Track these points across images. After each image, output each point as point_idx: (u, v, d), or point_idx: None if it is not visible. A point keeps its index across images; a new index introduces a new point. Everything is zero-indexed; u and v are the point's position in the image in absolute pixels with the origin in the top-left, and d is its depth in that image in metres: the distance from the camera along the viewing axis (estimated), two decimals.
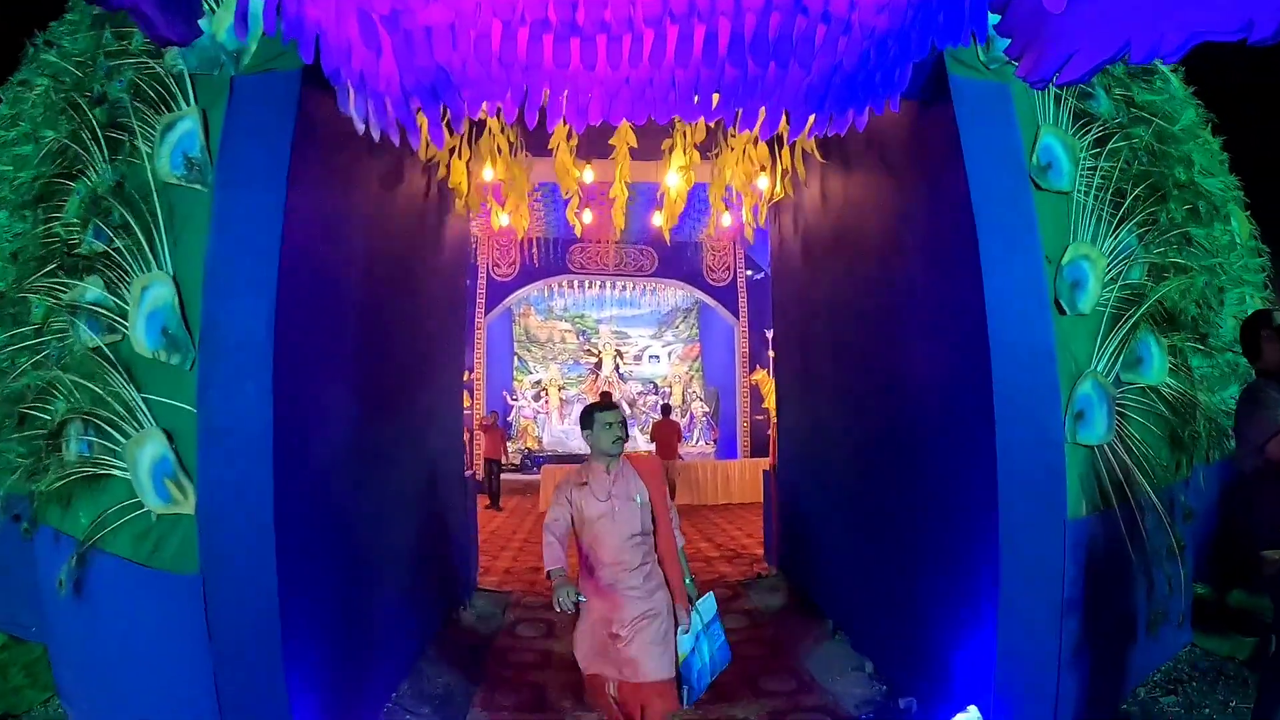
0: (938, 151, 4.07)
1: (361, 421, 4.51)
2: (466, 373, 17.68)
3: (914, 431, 4.50)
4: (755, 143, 5.93)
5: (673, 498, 12.47)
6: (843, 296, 5.52)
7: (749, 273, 19.12)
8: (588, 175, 6.31)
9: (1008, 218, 3.84)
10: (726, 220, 7.27)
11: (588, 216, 7.19)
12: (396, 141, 3.74)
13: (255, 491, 3.34)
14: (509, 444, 20.94)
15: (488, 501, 14.47)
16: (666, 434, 14.47)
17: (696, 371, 24.06)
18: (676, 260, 18.87)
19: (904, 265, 4.59)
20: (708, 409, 21.99)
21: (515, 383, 23.36)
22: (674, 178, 6.07)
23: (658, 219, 6.96)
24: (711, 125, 5.75)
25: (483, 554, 9.75)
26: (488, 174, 5.95)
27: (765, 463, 15.14)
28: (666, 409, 15.16)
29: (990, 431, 3.67)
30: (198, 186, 3.63)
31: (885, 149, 4.78)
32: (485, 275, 18.59)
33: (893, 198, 4.78)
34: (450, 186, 5.95)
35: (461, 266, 7.39)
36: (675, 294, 22.72)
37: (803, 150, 5.58)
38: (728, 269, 19.16)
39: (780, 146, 5.75)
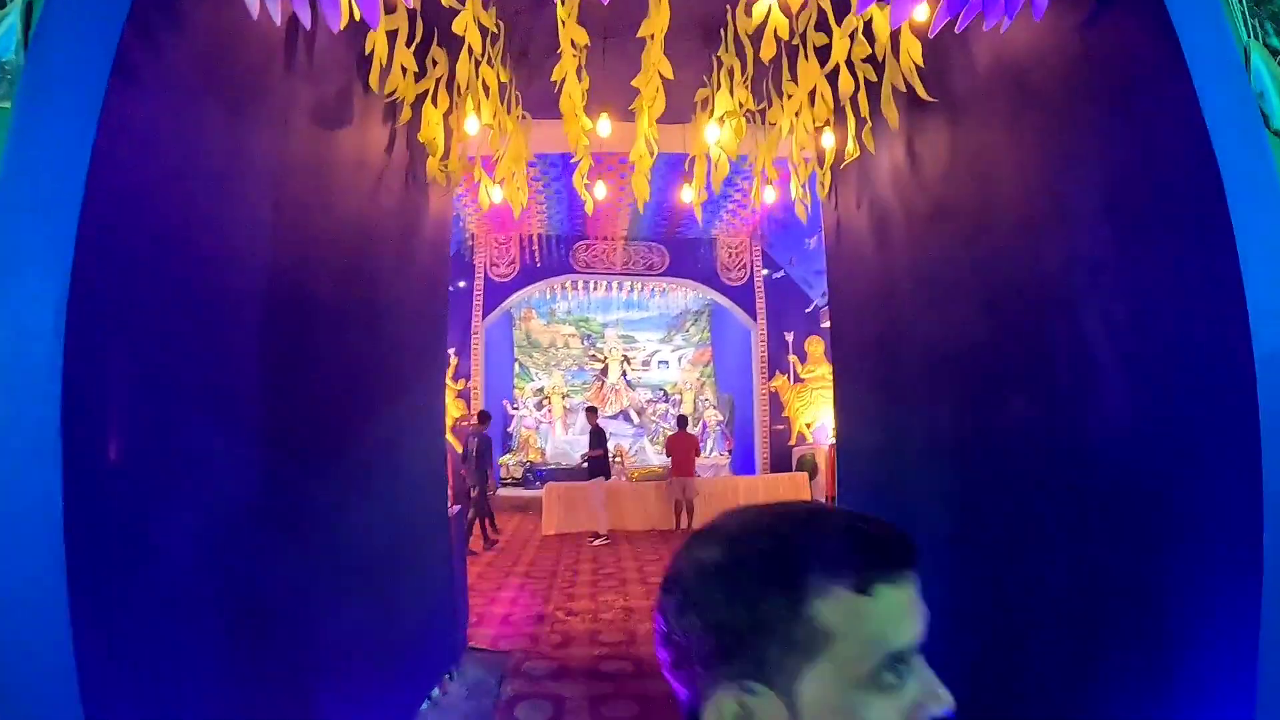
0: (1133, 74, 2.66)
1: (279, 460, 3.11)
2: (463, 381, 16.33)
3: (1094, 464, 3.06)
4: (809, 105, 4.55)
5: (690, 519, 10.75)
6: (950, 281, 4.09)
7: (765, 272, 17.71)
8: (603, 126, 4.82)
9: (1250, 166, 2.43)
10: (770, 196, 5.78)
11: (600, 190, 5.70)
12: (307, 22, 2.34)
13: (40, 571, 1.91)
14: (510, 456, 19.52)
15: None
16: (683, 448, 13.07)
17: (709, 378, 22.66)
18: (689, 259, 17.48)
19: (1067, 237, 3.17)
20: (721, 418, 20.56)
21: (516, 390, 21.98)
22: (715, 130, 4.62)
23: (687, 193, 5.51)
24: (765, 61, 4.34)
25: (474, 594, 8.35)
26: (471, 126, 4.52)
27: (790, 479, 13.73)
28: (682, 420, 13.76)
29: (1254, 467, 2.25)
30: (6, 104, 2.22)
31: (1028, 79, 3.36)
32: (483, 276, 17.19)
33: (1046, 145, 3.36)
34: (422, 141, 4.53)
35: (441, 253, 5.94)
36: (686, 295, 21.34)
37: (893, 93, 4.17)
38: (744, 268, 17.76)
39: (858, 90, 4.34)
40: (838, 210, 5.79)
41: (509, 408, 20.45)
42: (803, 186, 5.55)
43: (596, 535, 12.60)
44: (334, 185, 3.81)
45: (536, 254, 16.75)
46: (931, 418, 4.42)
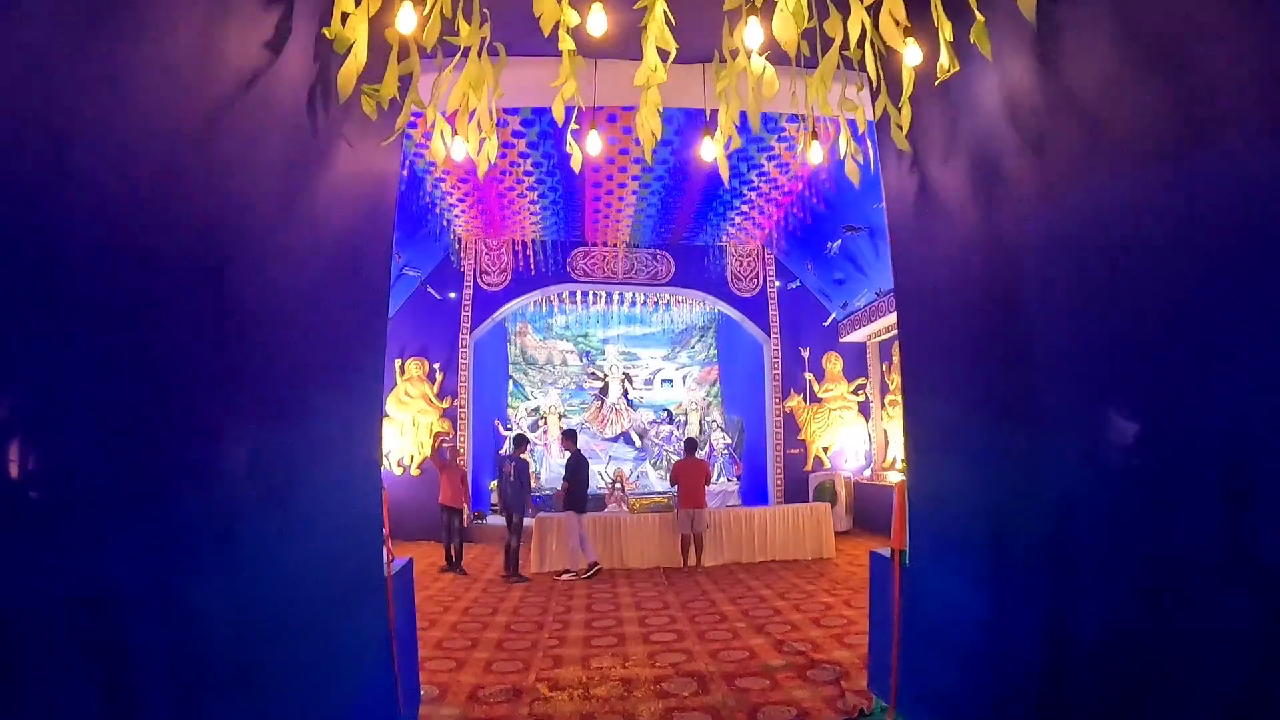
0: None
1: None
2: (450, 399, 14.90)
3: None
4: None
5: (699, 556, 8.24)
6: (1130, 258, 2.65)
7: (778, 283, 16.32)
8: (595, 20, 3.35)
9: None
10: (816, 155, 4.34)
11: (594, 144, 4.27)
12: None
13: None
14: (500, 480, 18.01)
15: (444, 563, 11.77)
16: (692, 475, 11.61)
17: (715, 398, 21.22)
18: (696, 267, 16.09)
19: None
20: (729, 440, 19.10)
21: (510, 410, 20.51)
22: (757, 31, 3.20)
23: (708, 149, 4.08)
24: None
25: (440, 655, 6.89)
26: (406, 23, 3.11)
27: (811, 512, 12.28)
28: (691, 444, 12.30)
29: None
30: None
31: None
32: (472, 285, 15.78)
33: None
34: (330, 38, 3.12)
35: (379, 227, 4.45)
36: (692, 310, 20.00)
37: None
38: (756, 277, 16.36)
39: None
40: (917, 164, 4.33)
41: (501, 429, 19.00)
42: (860, 137, 4.15)
43: (565, 571, 11.34)
44: (159, 96, 2.39)
45: (531, 261, 15.35)
46: (1083, 452, 2.95)
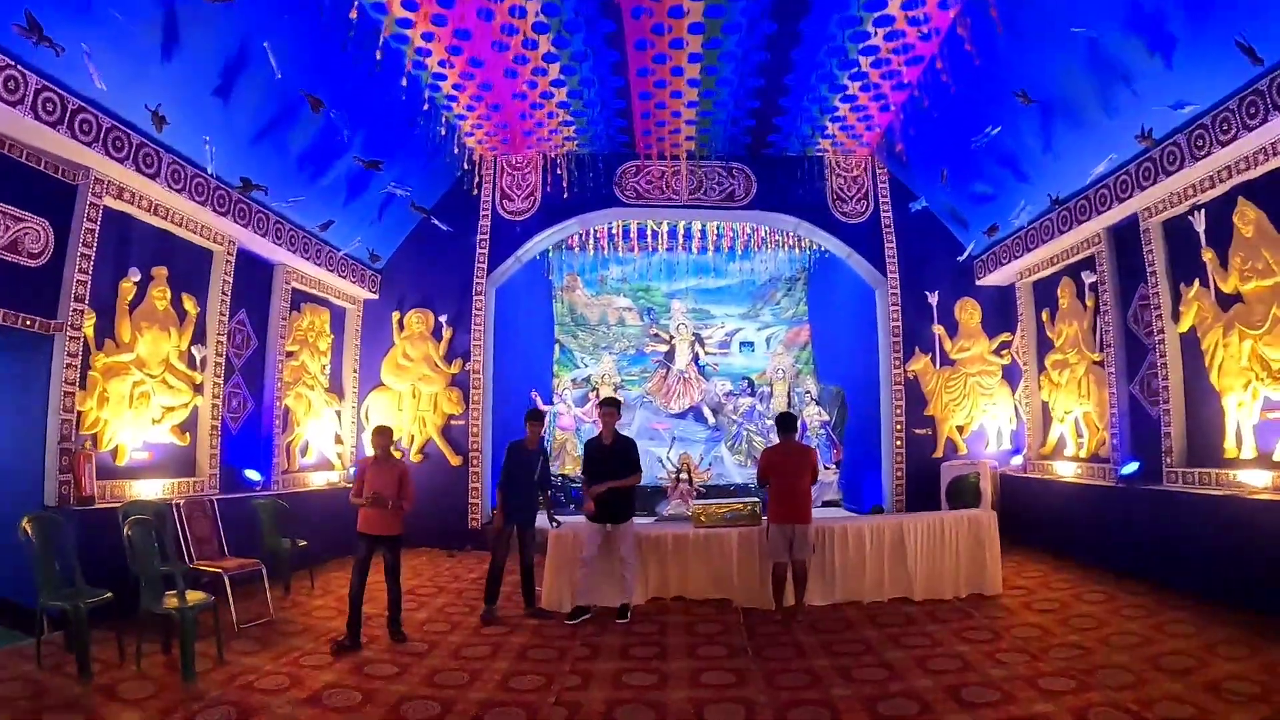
0: None
1: None
2: (460, 362, 11.23)
3: None
4: None
5: (800, 597, 7.56)
6: None
7: (888, 204, 12.21)
8: None
9: None
10: None
11: None
12: None
13: None
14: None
15: (342, 636, 6.68)
16: (789, 471, 7.64)
17: (806, 364, 17.14)
18: (784, 185, 12.05)
19: None
20: (826, 416, 15.01)
21: (554, 379, 16.79)
22: None
23: None
24: None
25: None
26: None
27: (969, 524, 8.28)
28: (788, 422, 8.16)
29: None
30: None
31: None
32: (490, 214, 12.03)
33: None
34: None
35: None
36: (776, 256, 15.95)
37: None
38: (865, 198, 12.27)
39: None
40: None
41: (539, 402, 15.29)
42: None
43: (577, 611, 7.55)
44: None
45: (565, 180, 11.48)
46: None
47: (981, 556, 8.18)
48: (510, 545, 7.80)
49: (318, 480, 10.84)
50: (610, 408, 8.06)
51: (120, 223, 7.71)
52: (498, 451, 10.20)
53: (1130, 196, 8.63)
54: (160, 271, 8.23)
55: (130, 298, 7.88)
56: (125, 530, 5.87)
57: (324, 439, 11.16)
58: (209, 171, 8.18)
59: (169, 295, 8.32)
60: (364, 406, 11.88)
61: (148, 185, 7.62)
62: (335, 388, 11.56)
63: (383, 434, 7.21)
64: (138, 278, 7.93)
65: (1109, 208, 9.01)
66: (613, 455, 7.74)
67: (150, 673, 5.74)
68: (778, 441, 7.88)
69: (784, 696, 5.38)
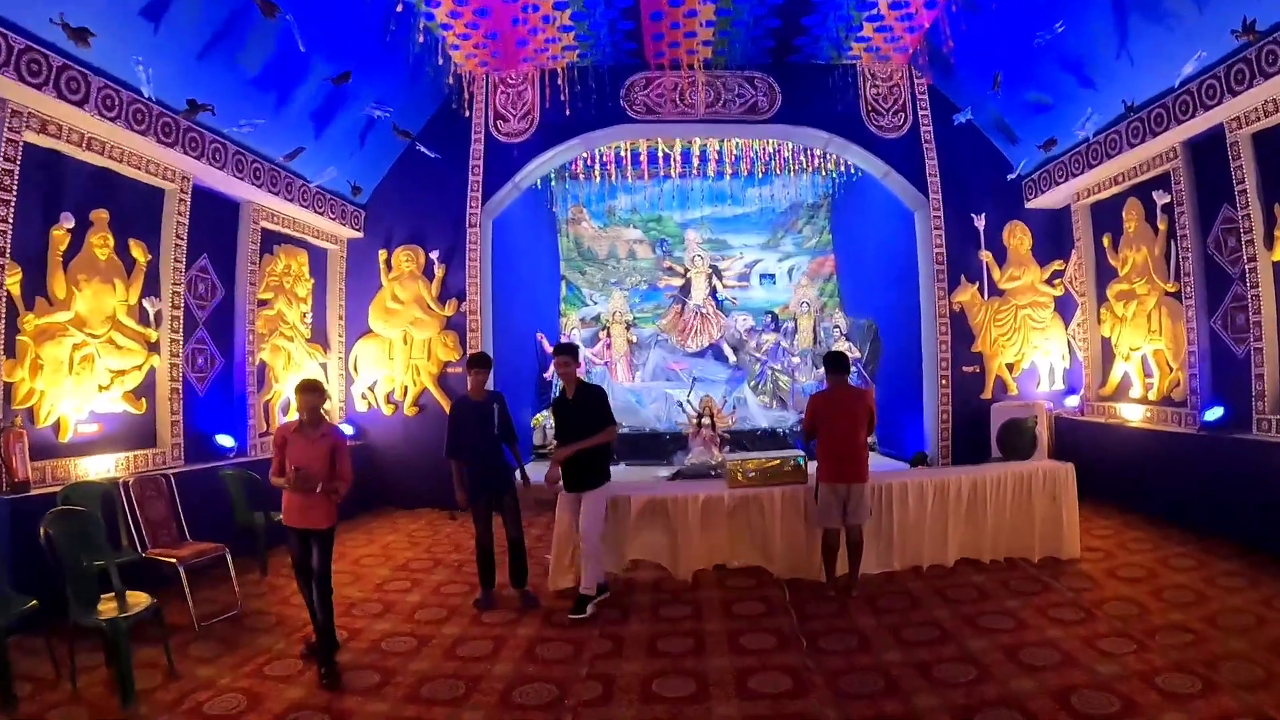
0: None
1: None
2: (455, 302, 10.10)
3: None
4: None
5: (854, 570, 6.46)
6: None
7: (927, 117, 10.91)
8: None
9: None
10: None
11: None
12: None
13: None
14: (546, 415, 13.05)
15: (305, 646, 5.53)
16: (843, 422, 6.45)
17: (832, 295, 15.97)
18: (811, 94, 10.72)
19: None
20: (858, 353, 13.87)
21: (560, 319, 15.68)
22: None
23: None
24: None
25: None
26: None
27: (1045, 476, 7.23)
28: (838, 362, 6.68)
29: None
30: None
31: None
32: (483, 136, 10.78)
33: None
34: None
35: None
36: (798, 182, 14.69)
37: None
38: (903, 110, 10.94)
39: None
40: None
41: (546, 344, 14.18)
42: None
43: (584, 603, 6.17)
44: None
45: (565, 96, 10.18)
46: None
47: (1057, 515, 7.11)
48: (490, 519, 6.60)
49: None
50: (565, 356, 6.45)
51: (48, 162, 6.52)
52: (513, 402, 9.07)
53: (1218, 103, 7.32)
54: (100, 215, 7.01)
55: (64, 248, 6.67)
56: (43, 528, 4.79)
57: None
58: (146, 95, 6.92)
59: (112, 242, 7.11)
60: (352, 357, 10.75)
61: (76, 115, 6.38)
62: (319, 338, 10.41)
63: (310, 392, 5.37)
64: (71, 224, 6.70)
65: (1191, 116, 7.70)
66: (577, 411, 6.37)
67: (87, 693, 4.76)
68: (831, 382, 6.66)
69: (856, 711, 4.37)
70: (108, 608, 4.84)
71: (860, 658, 5.09)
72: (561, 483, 6.47)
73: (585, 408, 6.34)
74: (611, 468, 6.67)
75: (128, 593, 5.03)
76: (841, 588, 6.43)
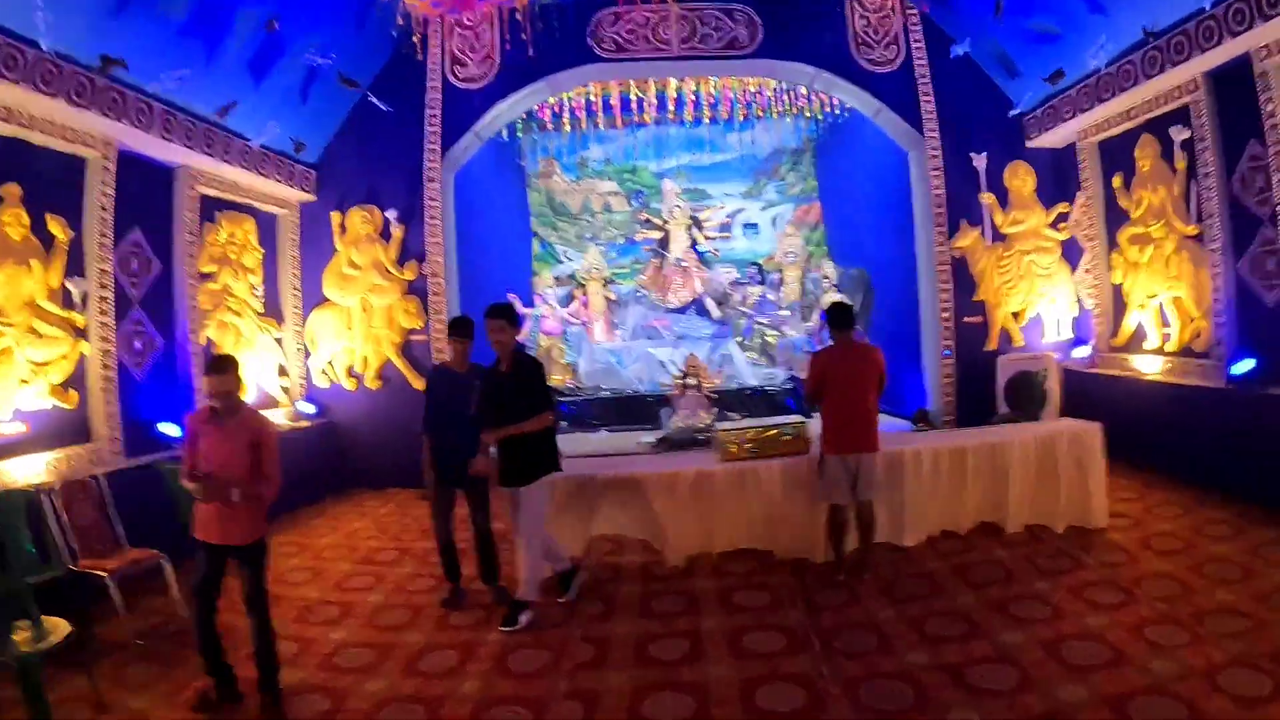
0: None
1: None
2: (416, 264, 9.33)
3: None
4: None
5: (866, 547, 5.85)
6: None
7: (921, 50, 10.13)
8: None
9: None
10: None
11: None
12: None
13: None
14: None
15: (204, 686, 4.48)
16: (851, 383, 5.79)
17: (819, 245, 15.26)
18: (796, 26, 9.90)
19: None
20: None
21: (533, 278, 14.92)
22: None
23: None
24: None
25: None
26: None
27: (1069, 436, 6.63)
28: (841, 314, 6.04)
29: None
30: None
31: None
32: (439, 83, 9.91)
33: None
34: None
35: None
36: (780, 126, 13.94)
37: None
38: (895, 43, 10.14)
39: None
40: None
41: (518, 304, 13.46)
42: None
43: (518, 608, 5.38)
44: None
45: (527, 35, 9.30)
46: None
47: (1083, 480, 6.52)
48: (452, 509, 5.86)
49: None
50: (499, 320, 5.44)
51: None
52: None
53: (1246, 29, 6.55)
54: (10, 190, 6.11)
55: None
56: None
57: (263, 372, 9.24)
58: (43, 48, 6.00)
59: (26, 220, 6.22)
60: (308, 329, 9.94)
61: None
62: (272, 311, 9.56)
63: (219, 372, 4.31)
64: None
65: (1216, 44, 6.94)
66: (509, 386, 5.40)
67: None
68: (836, 340, 5.99)
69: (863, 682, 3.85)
70: (21, 638, 4.18)
71: (882, 661, 4.50)
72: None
73: (519, 384, 5.36)
74: (593, 436, 5.86)
75: (44, 619, 4.36)
76: (851, 568, 5.82)
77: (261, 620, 4.35)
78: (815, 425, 6.14)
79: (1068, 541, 6.27)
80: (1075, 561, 5.83)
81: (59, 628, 4.28)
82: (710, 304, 14.77)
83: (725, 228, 15.64)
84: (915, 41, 10.06)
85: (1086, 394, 9.24)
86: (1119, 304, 9.31)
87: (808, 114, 13.05)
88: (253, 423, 4.44)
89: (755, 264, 15.03)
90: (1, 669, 4.10)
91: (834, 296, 13.17)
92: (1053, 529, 6.49)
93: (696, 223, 15.25)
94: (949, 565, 5.95)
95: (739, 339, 13.91)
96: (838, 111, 12.39)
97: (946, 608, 5.18)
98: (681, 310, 14.87)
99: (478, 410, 5.47)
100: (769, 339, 13.77)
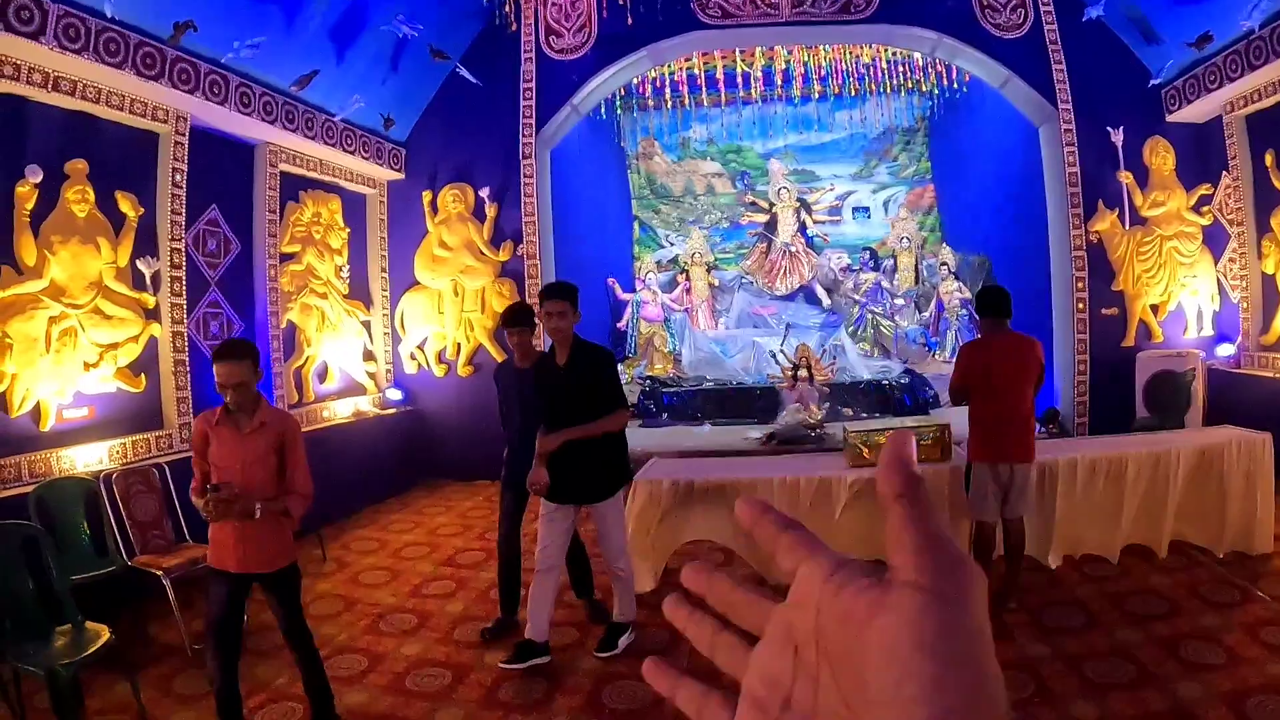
0: None
1: None
2: (511, 245, 8.87)
3: None
4: None
5: (1013, 574, 5.05)
6: None
7: (1050, 12, 9.09)
8: None
9: None
10: None
11: None
12: None
13: None
14: (621, 367, 11.86)
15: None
16: (1010, 377, 4.93)
17: (933, 230, 14.28)
18: None
19: None
20: (966, 294, 12.22)
21: (634, 263, 14.39)
22: None
23: None
24: None
25: None
26: None
27: (1238, 447, 5.69)
28: (996, 300, 5.05)
29: None
30: None
31: None
32: (534, 54, 9.40)
33: None
34: None
35: None
36: (892, 104, 13.05)
37: None
38: (1022, 5, 9.15)
39: None
40: None
41: (618, 290, 12.93)
42: None
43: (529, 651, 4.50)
44: None
45: (626, 2, 8.70)
46: None
47: (1251, 498, 5.60)
48: (521, 520, 5.17)
49: (343, 410, 8.73)
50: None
51: (8, 108, 5.44)
52: None
53: None
54: (77, 166, 5.87)
55: (30, 206, 5.56)
56: None
57: (349, 358, 8.96)
58: (110, 16, 5.69)
59: (92, 196, 5.97)
60: (398, 312, 9.60)
61: (33, 50, 5.24)
62: (359, 293, 9.26)
63: (232, 357, 3.50)
64: (39, 178, 5.55)
65: None
66: (566, 384, 4.52)
67: None
68: (985, 331, 5.22)
69: None
70: (61, 644, 3.88)
71: (1042, 714, 3.77)
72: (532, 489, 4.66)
73: (580, 378, 4.50)
74: (697, 430, 5.17)
75: (87, 624, 4.05)
76: (995, 596, 5.04)
77: (307, 652, 3.78)
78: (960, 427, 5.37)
79: (1230, 568, 5.38)
80: (1244, 594, 4.95)
81: (99, 635, 3.96)
82: (820, 291, 13.98)
83: (835, 211, 14.80)
84: (1044, 4, 9.04)
85: (1231, 397, 8.17)
86: (1270, 296, 8.18)
87: (924, 87, 12.14)
88: (275, 422, 3.67)
89: (869, 248, 14.15)
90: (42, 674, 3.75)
91: (952, 285, 12.22)
92: (1213, 552, 5.60)
93: (805, 205, 14.47)
94: (1101, 592, 5.14)
95: (851, 329, 13.08)
96: (955, 86, 11.42)
97: (1108, 647, 4.39)
98: (789, 297, 14.13)
99: (522, 412, 4.90)
100: (883, 329, 12.91)
